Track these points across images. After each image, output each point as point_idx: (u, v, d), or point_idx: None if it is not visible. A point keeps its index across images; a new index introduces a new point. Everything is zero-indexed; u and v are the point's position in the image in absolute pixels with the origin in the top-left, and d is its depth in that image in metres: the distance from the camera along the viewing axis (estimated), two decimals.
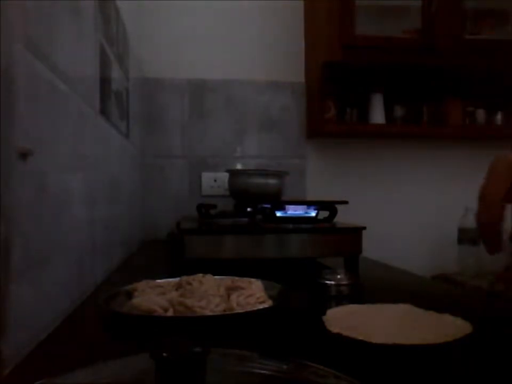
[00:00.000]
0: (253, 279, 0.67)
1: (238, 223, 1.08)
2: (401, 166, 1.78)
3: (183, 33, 1.65)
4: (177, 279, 0.69)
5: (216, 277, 0.69)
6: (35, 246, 0.49)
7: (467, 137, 1.75)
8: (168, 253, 1.16)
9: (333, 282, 0.74)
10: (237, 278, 0.69)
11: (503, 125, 1.73)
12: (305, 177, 1.72)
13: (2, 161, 0.41)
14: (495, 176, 0.54)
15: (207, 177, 1.68)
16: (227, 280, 0.68)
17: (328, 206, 1.09)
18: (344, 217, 1.11)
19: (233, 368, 0.34)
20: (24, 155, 0.45)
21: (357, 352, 0.48)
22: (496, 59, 1.56)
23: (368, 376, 0.38)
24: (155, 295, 0.61)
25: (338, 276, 0.75)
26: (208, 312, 0.55)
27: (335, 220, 1.09)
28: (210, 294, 0.59)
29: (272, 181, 1.34)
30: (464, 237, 1.64)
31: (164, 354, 0.28)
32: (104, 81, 0.88)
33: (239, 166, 1.66)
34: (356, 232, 1.00)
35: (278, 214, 1.09)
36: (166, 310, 0.56)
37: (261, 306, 0.59)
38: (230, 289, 0.64)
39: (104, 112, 0.87)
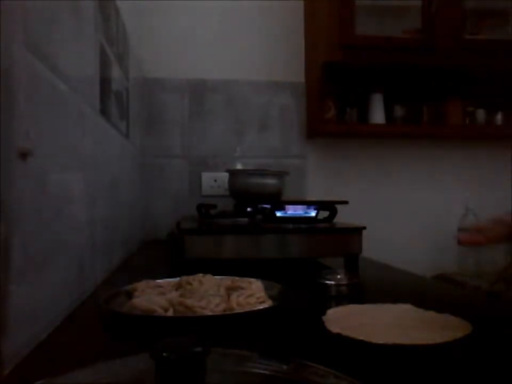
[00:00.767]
0: (253, 279, 0.67)
1: (238, 223, 1.07)
2: (401, 166, 1.77)
3: (183, 33, 1.65)
4: (177, 279, 0.69)
5: (216, 277, 0.69)
6: (35, 246, 0.49)
7: (467, 137, 1.75)
8: (168, 253, 1.16)
9: (333, 282, 0.74)
10: (237, 278, 0.69)
11: (503, 125, 1.73)
12: (305, 177, 1.72)
13: (2, 161, 0.41)
14: None
15: (207, 177, 1.67)
16: (227, 280, 0.69)
17: (328, 206, 1.09)
18: (344, 217, 1.11)
19: (233, 368, 0.34)
20: (24, 155, 0.45)
21: (357, 352, 0.48)
22: (496, 59, 1.56)
23: (368, 376, 0.38)
24: (155, 295, 0.61)
25: (338, 276, 0.75)
26: (208, 312, 0.55)
27: (335, 220, 1.09)
28: (210, 294, 0.59)
29: (272, 181, 1.34)
30: None
31: (164, 354, 0.29)
32: (104, 81, 0.88)
33: (239, 166, 1.66)
34: (356, 232, 1.00)
35: (278, 214, 1.09)
36: (166, 310, 0.56)
37: (261, 306, 0.59)
38: (230, 289, 0.64)
39: (104, 112, 0.87)
